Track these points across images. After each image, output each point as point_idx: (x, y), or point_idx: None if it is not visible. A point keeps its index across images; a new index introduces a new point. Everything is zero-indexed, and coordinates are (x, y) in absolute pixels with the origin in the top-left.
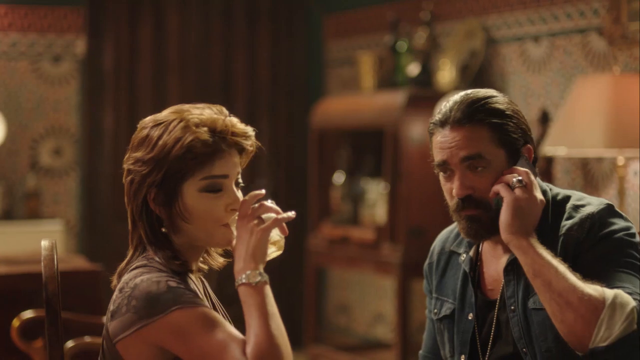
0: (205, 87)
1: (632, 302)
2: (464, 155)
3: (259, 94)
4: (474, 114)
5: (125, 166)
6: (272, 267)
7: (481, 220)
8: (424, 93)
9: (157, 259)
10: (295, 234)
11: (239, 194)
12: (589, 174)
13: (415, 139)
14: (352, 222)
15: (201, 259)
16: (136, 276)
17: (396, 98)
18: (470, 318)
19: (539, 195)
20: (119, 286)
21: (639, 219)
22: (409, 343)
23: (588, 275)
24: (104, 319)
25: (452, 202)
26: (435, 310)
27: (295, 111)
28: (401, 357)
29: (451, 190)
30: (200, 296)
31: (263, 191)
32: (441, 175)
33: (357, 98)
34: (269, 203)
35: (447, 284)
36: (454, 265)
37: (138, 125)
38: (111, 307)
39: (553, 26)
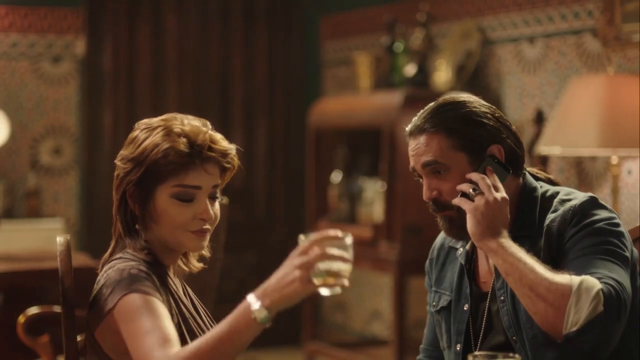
0: (203, 87)
1: (598, 285)
2: (423, 162)
3: (256, 93)
4: (430, 122)
5: (116, 161)
6: (272, 265)
7: (454, 220)
8: (421, 93)
9: (130, 250)
10: (293, 232)
11: (216, 207)
12: (583, 173)
13: None
14: (350, 220)
15: (182, 262)
16: (110, 267)
17: (393, 98)
18: (465, 309)
19: (499, 194)
20: (97, 279)
21: (634, 217)
22: (406, 340)
23: (568, 264)
24: (87, 313)
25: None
26: (434, 303)
27: (292, 111)
28: (398, 354)
29: None
30: (174, 292)
31: (339, 233)
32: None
33: (354, 98)
34: (337, 251)
35: (445, 278)
36: (452, 260)
37: (135, 126)
38: (90, 299)
39: (548, 27)
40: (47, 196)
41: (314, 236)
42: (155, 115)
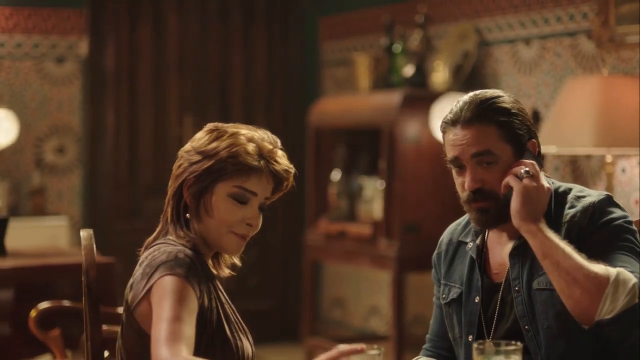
0: (204, 86)
1: (633, 279)
2: (474, 152)
3: (255, 93)
4: (482, 113)
5: (180, 153)
6: (273, 262)
7: (490, 211)
8: (419, 93)
9: (171, 237)
10: (292, 230)
11: (260, 218)
12: (578, 171)
13: (410, 137)
14: (349, 218)
15: (212, 265)
16: (156, 249)
17: (392, 98)
18: (476, 301)
19: (545, 183)
20: (140, 260)
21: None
22: (404, 335)
23: (591, 257)
24: (126, 293)
25: (463, 194)
26: (444, 296)
27: (290, 110)
28: (397, 349)
29: (463, 183)
30: (213, 278)
31: (362, 347)
32: (454, 171)
33: (353, 98)
34: None
35: (455, 271)
36: (461, 254)
37: (205, 126)
38: (131, 280)
39: (543, 29)
40: (51, 194)
41: (343, 347)
42: (157, 114)
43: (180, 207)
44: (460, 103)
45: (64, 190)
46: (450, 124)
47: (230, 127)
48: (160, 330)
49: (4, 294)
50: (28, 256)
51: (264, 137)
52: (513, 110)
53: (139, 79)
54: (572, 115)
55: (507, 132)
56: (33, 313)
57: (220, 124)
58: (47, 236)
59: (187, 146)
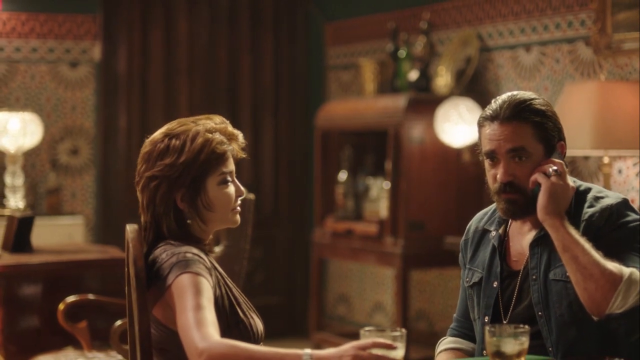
0: (213, 89)
1: None
2: (510, 147)
3: (263, 95)
4: (521, 113)
5: (149, 174)
6: (280, 260)
7: (518, 203)
8: (423, 97)
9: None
10: (297, 228)
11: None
12: (576, 171)
13: (415, 139)
14: (356, 217)
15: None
16: (162, 253)
17: (397, 101)
18: (495, 286)
19: (570, 182)
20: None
21: None
22: (408, 330)
23: (605, 256)
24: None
25: (494, 185)
26: (467, 279)
27: (296, 113)
28: None
29: (495, 175)
30: (217, 267)
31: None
32: (487, 162)
33: (360, 101)
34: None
35: (479, 257)
36: (485, 242)
37: (147, 142)
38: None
39: (543, 35)
40: (65, 194)
41: (375, 339)
42: (167, 115)
43: (180, 218)
44: (499, 101)
45: (78, 190)
46: (489, 119)
47: (183, 128)
48: (187, 319)
49: (32, 289)
50: (53, 253)
51: (216, 121)
52: (548, 113)
53: (150, 82)
54: (570, 118)
55: (541, 132)
56: (61, 306)
57: (164, 132)
58: (63, 234)
59: (156, 164)
